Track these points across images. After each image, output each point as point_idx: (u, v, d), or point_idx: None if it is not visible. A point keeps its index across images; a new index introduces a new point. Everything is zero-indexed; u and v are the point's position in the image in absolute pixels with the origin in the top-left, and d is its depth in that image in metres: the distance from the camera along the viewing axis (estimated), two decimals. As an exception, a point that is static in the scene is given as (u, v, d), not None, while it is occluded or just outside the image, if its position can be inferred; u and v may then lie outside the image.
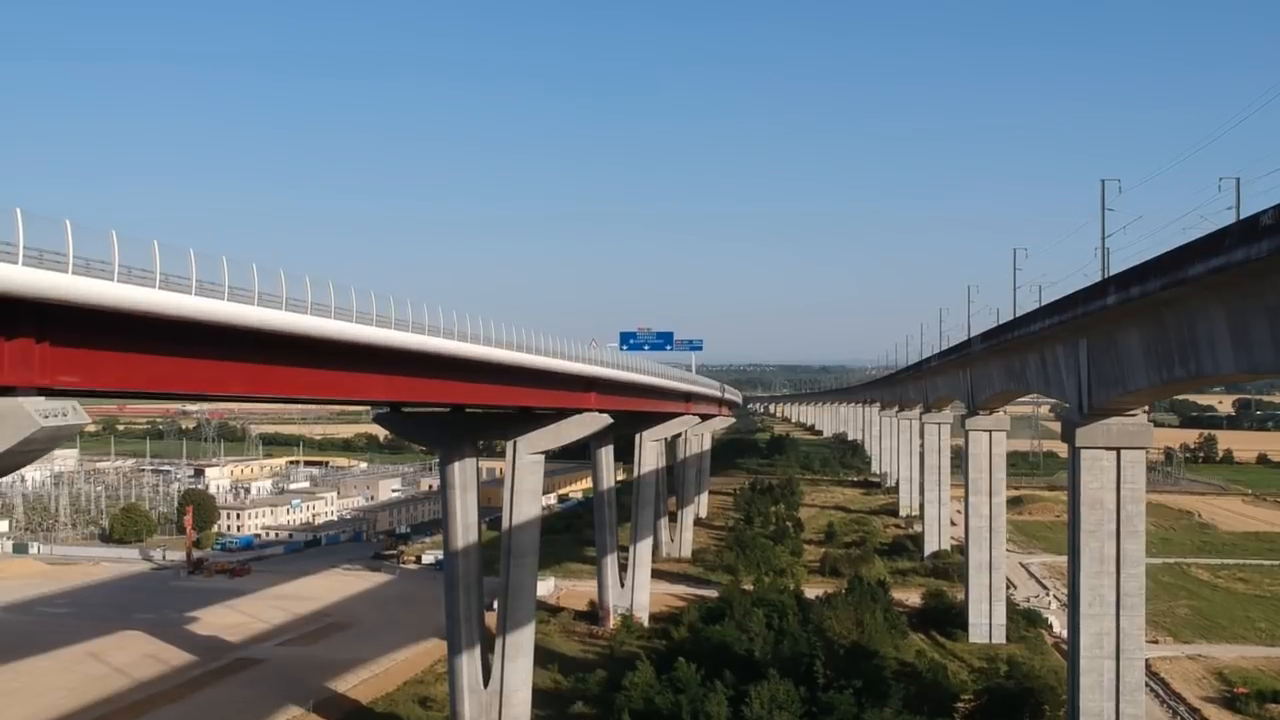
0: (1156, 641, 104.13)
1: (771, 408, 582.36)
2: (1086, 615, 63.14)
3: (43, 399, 25.71)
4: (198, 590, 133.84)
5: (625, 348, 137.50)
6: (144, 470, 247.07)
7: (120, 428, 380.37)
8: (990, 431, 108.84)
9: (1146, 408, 65.31)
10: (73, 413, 26.40)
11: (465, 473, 70.81)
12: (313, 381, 39.09)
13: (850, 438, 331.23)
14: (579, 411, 71.85)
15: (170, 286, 28.00)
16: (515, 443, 70.66)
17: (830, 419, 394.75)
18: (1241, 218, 46.25)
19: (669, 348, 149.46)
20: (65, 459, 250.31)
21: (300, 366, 37.49)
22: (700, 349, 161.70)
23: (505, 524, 71.89)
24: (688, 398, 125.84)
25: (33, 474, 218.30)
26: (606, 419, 74.58)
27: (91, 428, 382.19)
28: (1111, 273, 65.18)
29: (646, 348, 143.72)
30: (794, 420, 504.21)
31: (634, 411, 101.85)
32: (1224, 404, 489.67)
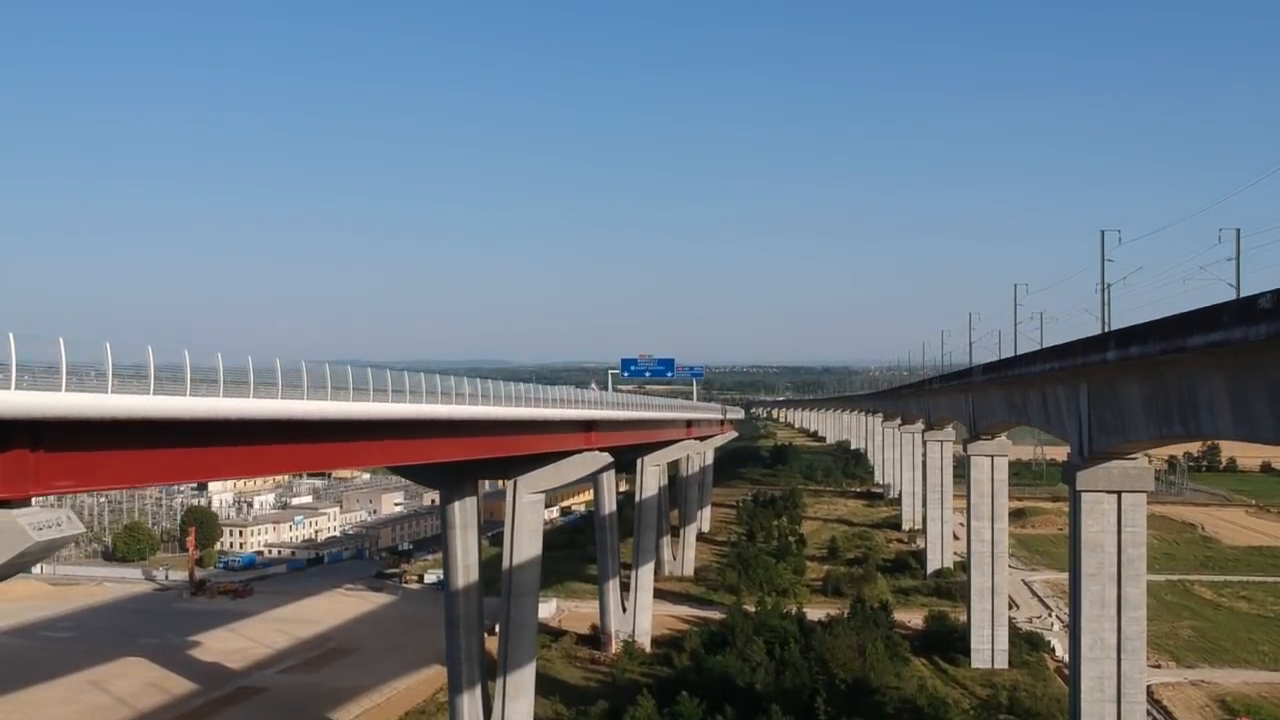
0: (1159, 666, 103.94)
1: (774, 412, 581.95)
2: (1088, 659, 63.05)
3: (38, 510, 25.73)
4: (200, 613, 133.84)
5: (627, 375, 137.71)
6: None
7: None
8: (992, 457, 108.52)
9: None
10: (66, 522, 26.41)
11: (466, 512, 70.80)
12: (311, 456, 39.23)
13: (853, 446, 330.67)
14: (579, 451, 71.79)
15: (164, 389, 28.01)
16: (515, 482, 70.60)
17: (833, 425, 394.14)
18: (1241, 293, 46.23)
19: (670, 375, 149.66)
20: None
21: (299, 443, 37.58)
22: (700, 375, 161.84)
23: (506, 563, 71.85)
24: (689, 424, 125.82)
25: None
26: (607, 458, 74.66)
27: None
28: (1112, 318, 65.17)
29: (648, 374, 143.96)
30: (797, 425, 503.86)
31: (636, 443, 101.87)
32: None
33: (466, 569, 70.96)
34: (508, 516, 71.30)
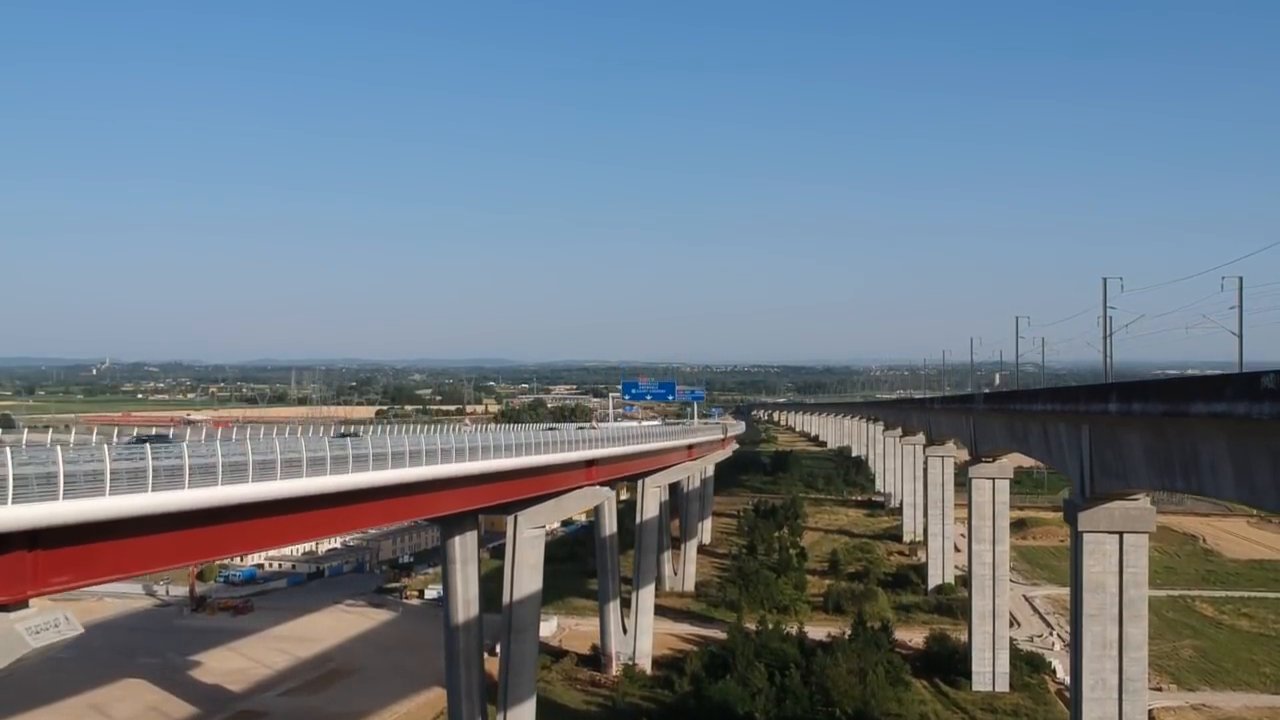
0: (1160, 688, 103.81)
1: (775, 415, 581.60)
2: (1089, 699, 62.95)
3: (35, 611, 25.63)
4: (200, 630, 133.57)
5: (628, 398, 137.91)
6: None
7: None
8: (994, 479, 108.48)
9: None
10: (65, 623, 26.33)
11: (466, 547, 70.67)
12: (314, 524, 39.20)
13: (854, 453, 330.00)
14: (580, 487, 71.69)
15: (162, 484, 27.87)
16: (516, 517, 70.49)
17: (834, 431, 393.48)
18: (1244, 340, 45.98)
19: (671, 398, 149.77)
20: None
21: (301, 513, 37.47)
22: (701, 398, 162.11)
23: (506, 598, 71.77)
24: (690, 447, 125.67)
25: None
26: (608, 492, 74.65)
27: (94, 440, 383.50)
28: (1114, 350, 64.78)
29: (649, 397, 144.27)
30: (798, 429, 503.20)
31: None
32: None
33: (467, 604, 70.85)
34: (508, 552, 71.20)
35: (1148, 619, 63.98)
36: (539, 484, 66.12)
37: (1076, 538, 62.82)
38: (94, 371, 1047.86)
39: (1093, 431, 59.57)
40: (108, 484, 26.18)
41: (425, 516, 54.83)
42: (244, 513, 33.57)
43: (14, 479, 23.36)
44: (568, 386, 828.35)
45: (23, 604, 25.65)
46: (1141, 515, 61.76)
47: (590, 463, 73.30)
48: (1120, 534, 61.90)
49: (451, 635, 71.84)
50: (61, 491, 24.74)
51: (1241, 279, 51.68)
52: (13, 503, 23.17)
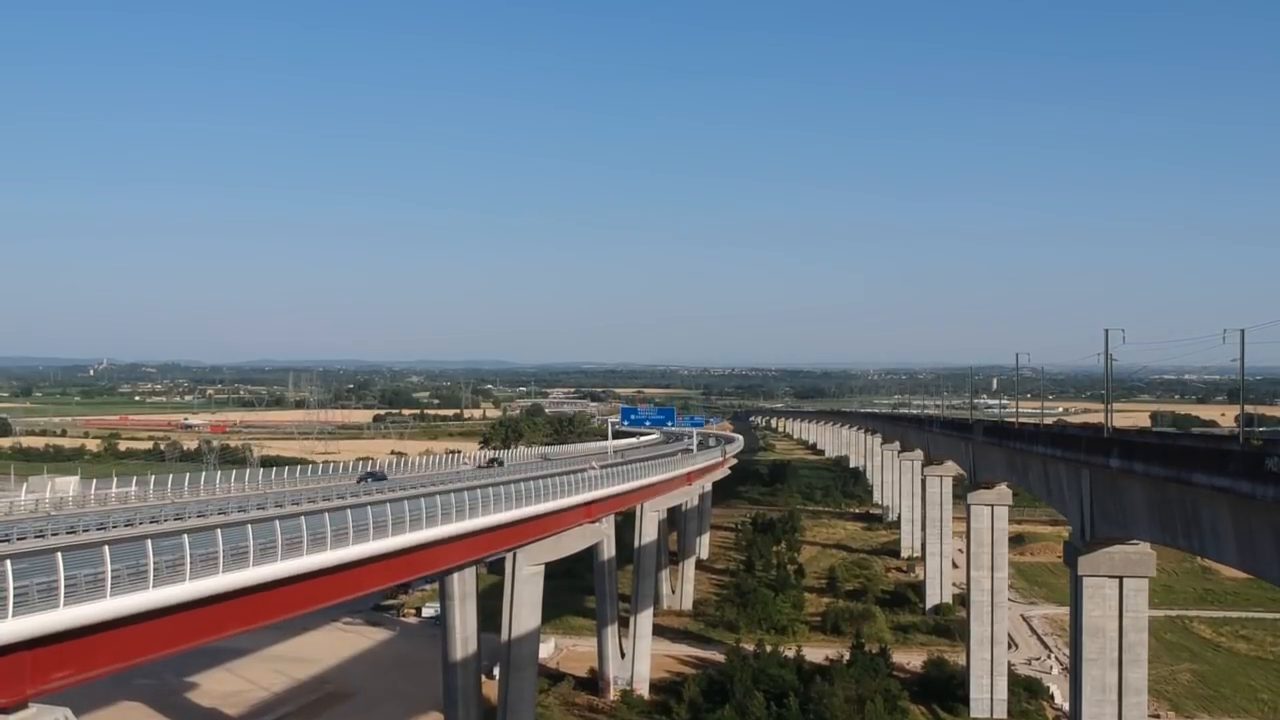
0: (1158, 715, 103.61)
1: (774, 421, 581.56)
2: (1089, 744, 62.89)
3: (34, 713, 25.42)
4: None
5: (626, 423, 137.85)
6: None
7: (122, 447, 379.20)
8: (992, 506, 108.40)
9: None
10: (64, 723, 26.12)
11: (465, 583, 70.60)
12: (317, 592, 39.21)
13: (852, 464, 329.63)
14: (579, 524, 71.60)
15: (164, 578, 27.73)
16: (515, 555, 70.34)
17: (832, 439, 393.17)
18: (1245, 391, 45.87)
19: (670, 424, 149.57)
20: (65, 487, 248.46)
21: (303, 583, 37.34)
22: (701, 424, 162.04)
23: (504, 635, 71.61)
24: (689, 474, 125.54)
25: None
26: (607, 529, 74.59)
27: (93, 445, 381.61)
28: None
29: (648, 423, 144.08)
30: (796, 437, 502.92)
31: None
32: (1226, 417, 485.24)
33: (465, 640, 70.74)
34: (506, 590, 71.00)
35: (1147, 662, 63.92)
36: (538, 528, 66.05)
37: (1076, 581, 62.81)
38: (91, 372, 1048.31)
39: (1093, 478, 59.50)
40: (109, 583, 26.04)
41: (426, 573, 54.80)
42: (247, 591, 33.46)
43: (14, 586, 23.19)
44: (565, 389, 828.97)
45: (22, 705, 25.43)
46: (1142, 560, 61.71)
47: (589, 503, 73.29)
48: (1120, 579, 61.85)
49: (450, 671, 71.73)
50: (62, 600, 24.59)
51: (1244, 332, 51.56)
52: (13, 617, 23.07)
